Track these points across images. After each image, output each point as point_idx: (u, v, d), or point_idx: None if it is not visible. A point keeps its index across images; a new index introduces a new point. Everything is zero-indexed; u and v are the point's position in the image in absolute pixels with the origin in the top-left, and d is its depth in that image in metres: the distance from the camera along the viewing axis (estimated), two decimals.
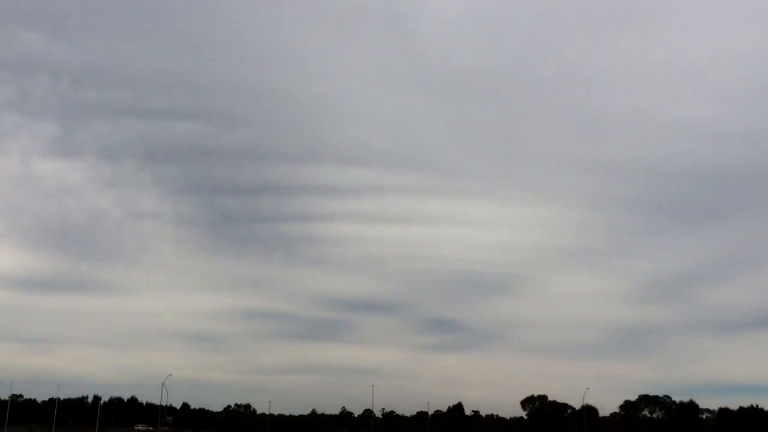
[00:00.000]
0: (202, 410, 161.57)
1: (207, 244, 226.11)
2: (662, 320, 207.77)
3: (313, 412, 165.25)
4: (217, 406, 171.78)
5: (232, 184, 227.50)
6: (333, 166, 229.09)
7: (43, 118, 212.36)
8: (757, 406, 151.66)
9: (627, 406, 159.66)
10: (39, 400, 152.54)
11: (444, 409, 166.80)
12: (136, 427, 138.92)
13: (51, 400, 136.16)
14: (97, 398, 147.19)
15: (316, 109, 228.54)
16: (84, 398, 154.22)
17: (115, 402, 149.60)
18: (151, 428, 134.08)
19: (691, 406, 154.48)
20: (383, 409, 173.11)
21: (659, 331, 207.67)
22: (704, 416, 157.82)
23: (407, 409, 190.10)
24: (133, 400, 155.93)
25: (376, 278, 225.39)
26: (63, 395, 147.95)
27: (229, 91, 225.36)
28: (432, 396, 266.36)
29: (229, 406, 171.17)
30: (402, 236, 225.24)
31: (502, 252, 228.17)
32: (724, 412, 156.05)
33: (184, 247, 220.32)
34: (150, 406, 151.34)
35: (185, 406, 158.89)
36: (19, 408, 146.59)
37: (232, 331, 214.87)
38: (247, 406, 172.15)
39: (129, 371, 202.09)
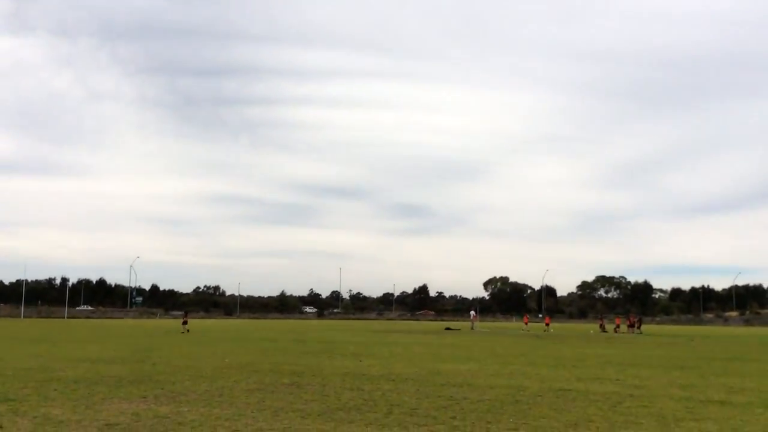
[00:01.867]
0: (171, 291, 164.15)
1: (170, 126, 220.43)
2: (623, 205, 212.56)
3: (282, 293, 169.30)
4: (186, 288, 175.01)
5: (193, 65, 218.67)
6: (299, 47, 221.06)
7: None
8: (707, 286, 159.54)
9: (584, 286, 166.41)
10: (6, 282, 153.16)
11: (409, 290, 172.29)
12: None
13: (18, 281, 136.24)
14: (65, 280, 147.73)
15: None
16: (52, 280, 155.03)
17: (84, 283, 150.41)
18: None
19: (645, 287, 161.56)
20: (350, 290, 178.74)
21: (619, 216, 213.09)
22: (657, 296, 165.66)
23: (374, 291, 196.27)
24: (101, 281, 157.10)
25: (343, 163, 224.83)
26: (30, 277, 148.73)
27: None
28: (398, 278, 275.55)
29: (198, 288, 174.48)
30: (370, 121, 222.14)
31: (470, 138, 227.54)
32: (676, 291, 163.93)
33: (146, 129, 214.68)
34: (119, 287, 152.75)
35: (154, 287, 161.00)
36: None
37: (199, 215, 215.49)
38: (216, 288, 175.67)
39: (96, 253, 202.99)
